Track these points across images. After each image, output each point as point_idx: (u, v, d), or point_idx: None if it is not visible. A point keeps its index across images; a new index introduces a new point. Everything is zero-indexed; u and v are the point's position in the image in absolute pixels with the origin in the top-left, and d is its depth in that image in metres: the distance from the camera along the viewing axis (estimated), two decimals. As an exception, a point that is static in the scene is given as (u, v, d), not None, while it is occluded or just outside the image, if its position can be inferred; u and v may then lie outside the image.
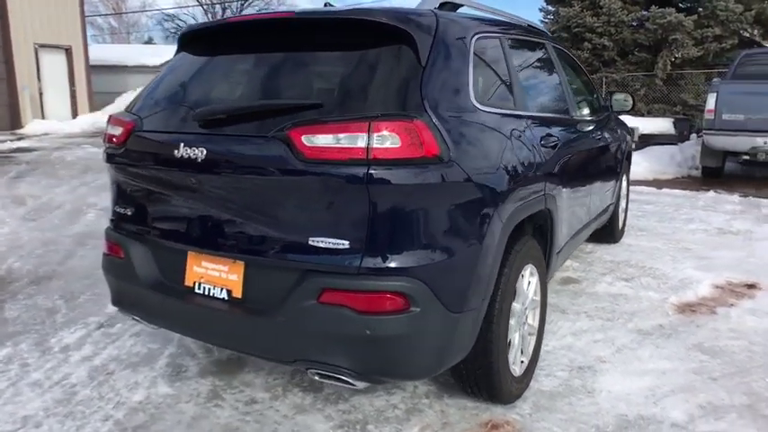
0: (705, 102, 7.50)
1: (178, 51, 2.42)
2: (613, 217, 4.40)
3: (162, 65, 23.46)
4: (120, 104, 16.36)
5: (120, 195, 2.31)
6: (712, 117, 7.09)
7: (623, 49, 12.83)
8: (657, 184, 7.61)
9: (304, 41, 2.05)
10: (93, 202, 6.28)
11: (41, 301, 3.55)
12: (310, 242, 1.78)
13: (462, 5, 2.50)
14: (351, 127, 1.71)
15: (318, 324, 1.78)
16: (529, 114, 2.52)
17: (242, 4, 42.07)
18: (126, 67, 20.52)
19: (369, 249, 1.74)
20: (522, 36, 2.84)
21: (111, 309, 3.48)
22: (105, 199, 6.46)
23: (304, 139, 1.73)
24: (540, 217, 2.47)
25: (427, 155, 1.75)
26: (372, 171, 1.69)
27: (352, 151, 1.69)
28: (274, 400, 2.44)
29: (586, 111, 3.60)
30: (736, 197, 6.71)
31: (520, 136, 2.29)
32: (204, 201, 1.98)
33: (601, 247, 4.56)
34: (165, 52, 24.38)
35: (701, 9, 12.47)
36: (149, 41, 42.39)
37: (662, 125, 10.11)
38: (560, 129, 2.84)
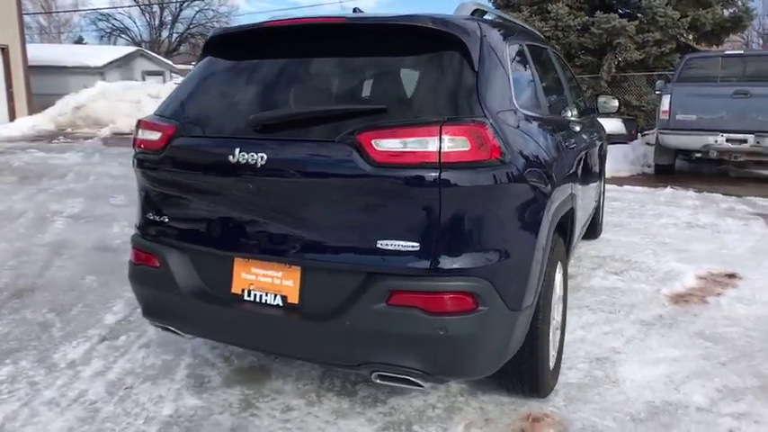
0: (655, 103, 7.92)
1: (206, 54, 2.34)
2: (597, 213, 4.60)
3: (104, 66, 22.53)
4: (61, 107, 15.55)
5: (154, 202, 2.22)
6: (667, 117, 7.51)
7: (570, 52, 13.34)
8: (617, 181, 7.96)
9: (354, 47, 2.04)
10: (56, 210, 5.96)
11: (30, 316, 3.35)
12: (378, 245, 1.78)
13: (486, 12, 2.56)
14: (422, 131, 1.73)
15: (389, 326, 1.78)
16: (551, 117, 2.61)
17: (180, 5, 40.91)
18: (66, 68, 19.54)
19: (438, 250, 1.76)
20: (535, 42, 2.94)
21: (111, 321, 3.35)
22: (70, 206, 6.17)
23: (374, 143, 1.74)
24: (565, 216, 2.57)
25: (492, 157, 1.79)
26: (444, 174, 1.72)
27: (424, 155, 1.71)
28: (311, 405, 2.41)
29: (581, 113, 3.75)
30: (691, 192, 7.13)
31: (552, 137, 2.38)
32: (258, 206, 1.94)
33: (584, 243, 4.74)
34: (105, 53, 23.47)
35: (640, 15, 13.15)
36: (80, 41, 40.55)
37: (612, 125, 10.56)
38: (572, 131, 2.95)
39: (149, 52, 27.68)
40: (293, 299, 1.96)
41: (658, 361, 2.78)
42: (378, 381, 1.93)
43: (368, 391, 2.50)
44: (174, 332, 2.29)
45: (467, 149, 1.73)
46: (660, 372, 2.68)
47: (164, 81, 24.62)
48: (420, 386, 1.89)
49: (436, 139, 1.71)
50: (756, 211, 5.95)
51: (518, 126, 2.07)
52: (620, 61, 13.04)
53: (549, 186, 2.13)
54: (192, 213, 2.12)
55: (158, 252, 2.17)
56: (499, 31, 2.32)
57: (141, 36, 40.89)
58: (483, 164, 1.77)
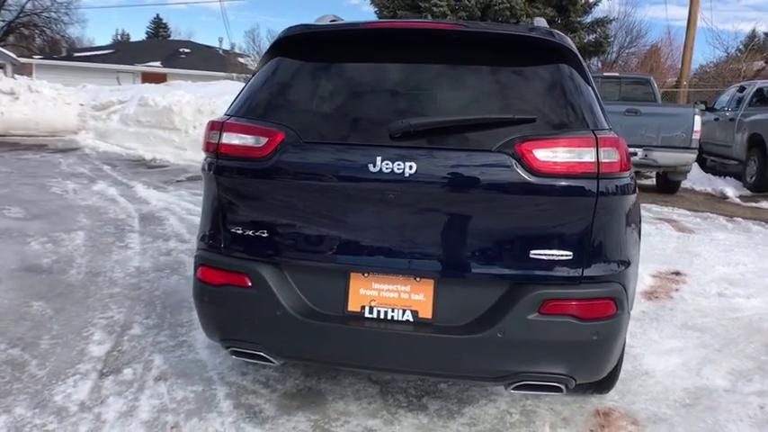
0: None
1: (280, 53, 2.13)
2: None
3: None
4: None
5: (245, 214, 1.99)
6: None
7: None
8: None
9: (469, 55, 2.01)
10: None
11: (-15, 354, 2.80)
12: (531, 255, 1.79)
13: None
14: (579, 141, 1.78)
15: (543, 335, 1.80)
16: None
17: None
18: None
19: (588, 259, 1.82)
20: None
21: (99, 352, 2.92)
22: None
23: (536, 153, 1.75)
24: None
25: (626, 169, 1.89)
26: (601, 183, 1.78)
27: (584, 165, 1.76)
28: (390, 425, 2.33)
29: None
30: (594, 200, 7.91)
31: None
32: (392, 218, 1.84)
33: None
34: None
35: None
36: None
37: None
38: None
39: (-16, 42, 24.10)
40: (425, 313, 1.89)
41: (669, 352, 3.09)
42: (512, 390, 1.93)
43: (438, 404, 2.48)
44: (264, 358, 2.07)
45: (615, 160, 1.82)
46: (676, 361, 2.97)
47: (5, 74, 21.65)
48: (560, 391, 1.92)
49: (593, 149, 1.77)
50: (658, 216, 6.79)
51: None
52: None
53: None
54: (298, 226, 1.94)
55: (252, 270, 1.96)
56: None
57: (-48, 22, 35.44)
58: (622, 175, 1.87)
